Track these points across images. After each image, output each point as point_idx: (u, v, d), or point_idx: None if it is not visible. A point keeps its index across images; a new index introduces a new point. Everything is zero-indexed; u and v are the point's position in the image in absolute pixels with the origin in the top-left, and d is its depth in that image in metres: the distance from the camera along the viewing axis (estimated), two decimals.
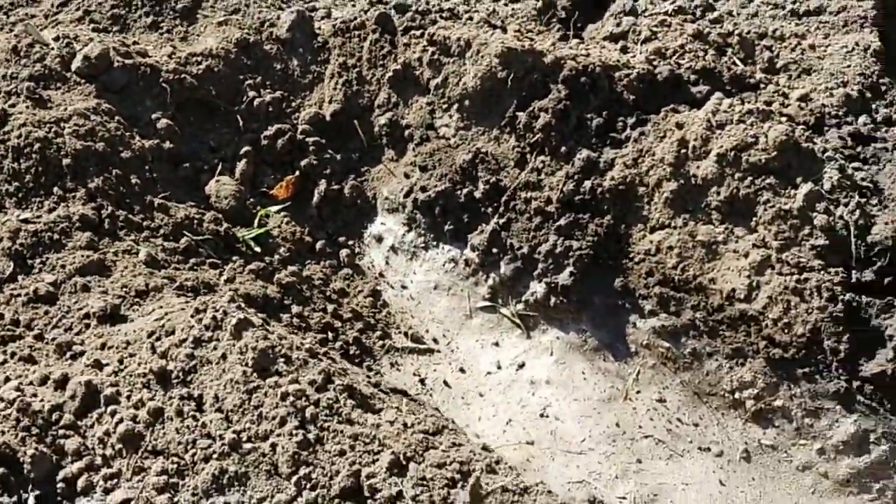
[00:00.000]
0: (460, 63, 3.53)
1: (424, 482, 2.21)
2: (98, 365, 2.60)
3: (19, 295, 2.89)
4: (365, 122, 3.72)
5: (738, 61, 3.59)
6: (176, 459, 2.37)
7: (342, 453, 2.30)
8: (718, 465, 2.96)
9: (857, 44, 3.57)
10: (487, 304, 3.38)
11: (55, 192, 3.16)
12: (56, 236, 3.03)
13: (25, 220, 3.06)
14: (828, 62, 3.55)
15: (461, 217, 3.44)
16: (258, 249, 3.40)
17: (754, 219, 3.04)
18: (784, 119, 3.19)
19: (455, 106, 3.54)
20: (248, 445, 2.34)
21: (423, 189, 3.49)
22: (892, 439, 2.82)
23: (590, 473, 2.95)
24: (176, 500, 2.32)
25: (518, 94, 3.43)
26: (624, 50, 3.63)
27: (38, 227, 3.03)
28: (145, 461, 2.38)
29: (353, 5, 4.01)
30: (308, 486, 2.27)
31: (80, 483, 2.38)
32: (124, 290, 2.92)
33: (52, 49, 3.58)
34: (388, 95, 3.69)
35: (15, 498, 2.38)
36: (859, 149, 3.23)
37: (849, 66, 3.51)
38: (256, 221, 3.48)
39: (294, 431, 2.33)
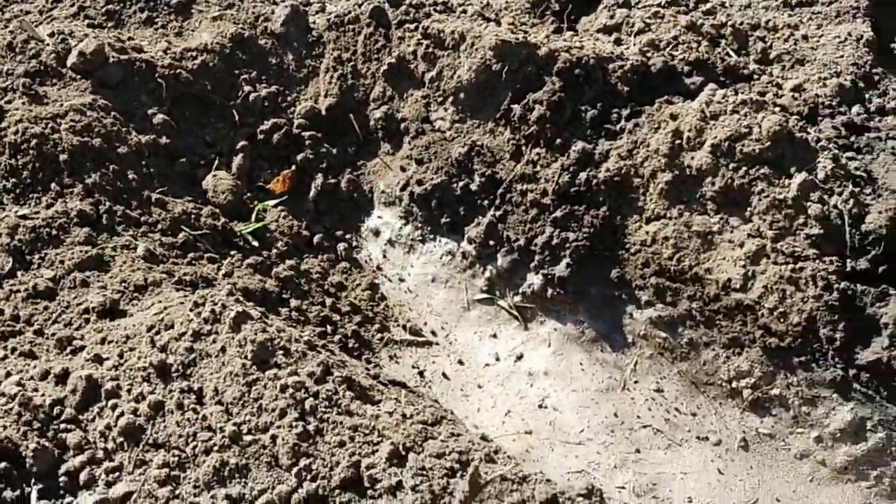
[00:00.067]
0: (455, 56, 3.54)
1: (424, 472, 2.22)
2: (98, 359, 2.61)
3: (19, 291, 2.90)
4: (360, 115, 3.73)
5: (731, 52, 3.60)
6: (177, 452, 2.37)
7: (342, 444, 2.31)
8: (716, 454, 2.97)
9: (849, 34, 3.59)
10: (485, 296, 3.40)
11: (53, 188, 3.16)
12: (54, 232, 3.04)
13: (24, 217, 3.06)
14: (821, 52, 3.57)
15: (458, 210, 3.45)
16: (256, 244, 3.41)
17: (749, 209, 3.06)
18: (777, 109, 3.20)
19: (450, 99, 3.55)
20: (248, 437, 2.35)
21: (420, 182, 3.50)
22: (889, 426, 2.84)
23: (589, 463, 2.96)
24: (177, 492, 2.32)
25: (513, 87, 3.44)
26: (618, 42, 3.64)
27: (36, 223, 3.04)
28: (146, 454, 2.39)
29: None
30: (308, 477, 2.28)
31: (83, 477, 2.38)
32: (123, 284, 2.93)
33: (48, 45, 3.59)
34: (384, 89, 3.70)
35: (18, 492, 2.38)
36: (853, 138, 3.25)
37: (842, 57, 3.52)
38: (254, 216, 3.49)
39: (294, 423, 2.34)
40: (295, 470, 2.29)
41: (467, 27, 3.56)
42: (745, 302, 3.00)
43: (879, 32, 3.68)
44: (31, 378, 2.59)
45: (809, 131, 3.16)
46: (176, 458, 2.36)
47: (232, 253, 3.31)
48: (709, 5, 3.81)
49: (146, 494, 2.32)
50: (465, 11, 3.83)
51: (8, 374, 2.61)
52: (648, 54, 3.50)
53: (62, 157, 3.20)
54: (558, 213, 3.27)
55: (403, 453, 2.28)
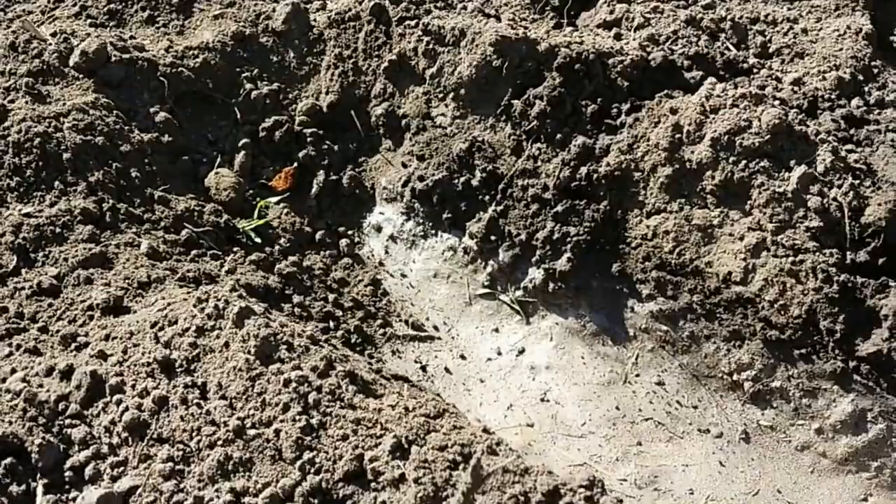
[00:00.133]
0: (455, 52, 3.55)
1: (426, 464, 2.23)
2: (102, 355, 2.63)
3: (23, 288, 2.91)
4: (362, 112, 3.75)
5: (731, 46, 3.61)
6: (181, 446, 2.39)
7: (345, 438, 2.32)
8: (718, 447, 2.99)
9: (849, 27, 3.59)
10: (487, 291, 3.41)
11: (56, 186, 3.18)
12: (58, 230, 3.05)
13: (27, 215, 3.08)
14: (820, 46, 3.57)
15: (459, 205, 3.46)
16: (258, 240, 3.43)
17: (749, 202, 3.07)
18: (777, 103, 3.22)
19: (451, 95, 3.56)
20: (252, 431, 2.36)
21: (421, 178, 3.51)
22: (889, 418, 2.86)
23: (590, 456, 2.98)
24: (182, 486, 2.34)
25: (513, 82, 3.45)
26: (617, 37, 3.65)
27: (40, 221, 3.05)
28: (151, 449, 2.41)
29: None
30: (312, 470, 2.29)
31: (88, 471, 2.40)
32: (127, 281, 2.94)
33: (50, 45, 3.60)
34: (385, 86, 3.71)
35: (24, 486, 2.40)
36: (852, 131, 3.25)
37: (841, 50, 3.53)
38: (256, 213, 3.51)
39: (297, 417, 2.36)
40: (298, 463, 2.30)
41: (467, 23, 3.58)
42: (745, 295, 3.02)
43: (879, 25, 3.69)
44: (36, 374, 2.60)
45: (809, 124, 3.17)
46: (180, 453, 2.38)
47: (235, 250, 3.33)
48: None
49: (151, 488, 2.34)
50: (465, 8, 3.84)
51: (13, 371, 2.62)
52: (648, 49, 3.51)
53: (65, 155, 3.22)
54: (559, 208, 3.29)
55: (406, 446, 2.30)
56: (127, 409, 2.46)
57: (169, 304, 2.75)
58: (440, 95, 3.60)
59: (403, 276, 3.52)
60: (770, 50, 3.63)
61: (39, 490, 2.40)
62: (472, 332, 3.36)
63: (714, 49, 3.56)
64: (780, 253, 2.98)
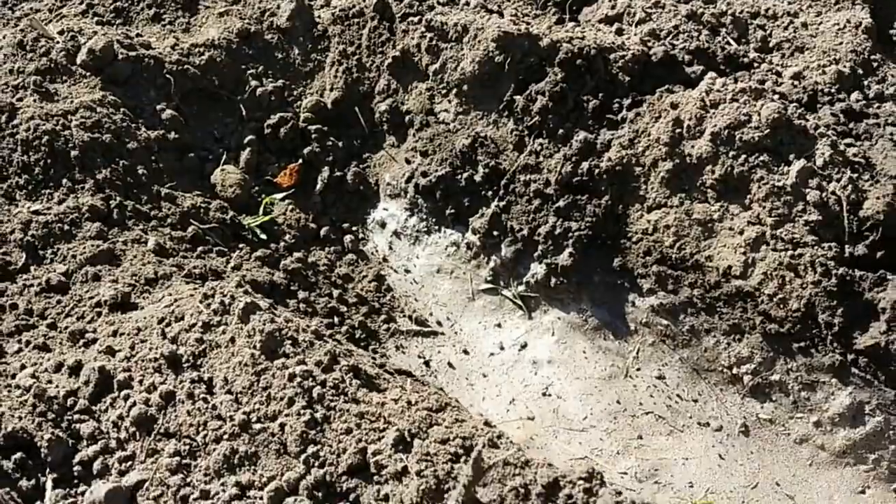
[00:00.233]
0: (458, 48, 3.58)
1: (429, 457, 2.27)
2: (110, 351, 2.67)
3: (32, 285, 2.96)
4: (366, 108, 3.78)
5: (731, 41, 3.63)
6: (188, 441, 2.43)
7: (349, 431, 2.36)
8: (718, 440, 3.02)
9: (848, 21, 3.61)
10: (489, 286, 3.44)
11: (64, 184, 3.22)
12: (66, 227, 3.09)
13: (36, 212, 3.12)
14: (820, 40, 3.59)
15: (462, 201, 3.49)
16: (264, 237, 3.46)
17: (748, 196, 3.09)
18: (777, 97, 3.23)
19: (454, 91, 3.59)
20: (257, 426, 2.40)
21: (424, 174, 3.54)
22: (887, 410, 2.88)
23: (592, 450, 3.01)
24: (189, 480, 2.38)
25: (515, 78, 3.47)
26: (619, 32, 3.67)
27: (48, 219, 3.09)
28: (158, 443, 2.45)
29: None
30: (316, 463, 2.33)
31: (96, 466, 2.44)
32: (134, 278, 2.98)
33: (57, 43, 3.64)
34: (388, 82, 3.74)
35: (33, 481, 2.44)
36: (852, 125, 3.27)
37: (841, 44, 3.54)
38: (261, 209, 3.54)
39: (302, 411, 2.39)
40: (303, 457, 2.34)
41: (470, 19, 3.60)
42: (745, 289, 3.04)
43: (878, 19, 3.70)
44: (45, 370, 2.65)
45: (808, 118, 3.19)
46: (187, 447, 2.42)
47: (240, 246, 3.36)
48: None
49: (158, 482, 2.38)
50: (467, 4, 3.86)
51: (22, 367, 2.67)
52: (649, 44, 3.53)
53: (73, 153, 3.26)
54: (561, 203, 3.31)
55: (409, 439, 2.33)
56: (134, 404, 2.50)
57: (175, 301, 2.79)
58: (443, 91, 3.63)
59: (407, 271, 3.56)
60: (770, 44, 3.64)
61: (49, 484, 2.44)
62: (474, 327, 3.39)
63: (715, 44, 3.58)
64: (779, 247, 3.00)
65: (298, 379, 2.46)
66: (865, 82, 3.45)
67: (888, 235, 2.97)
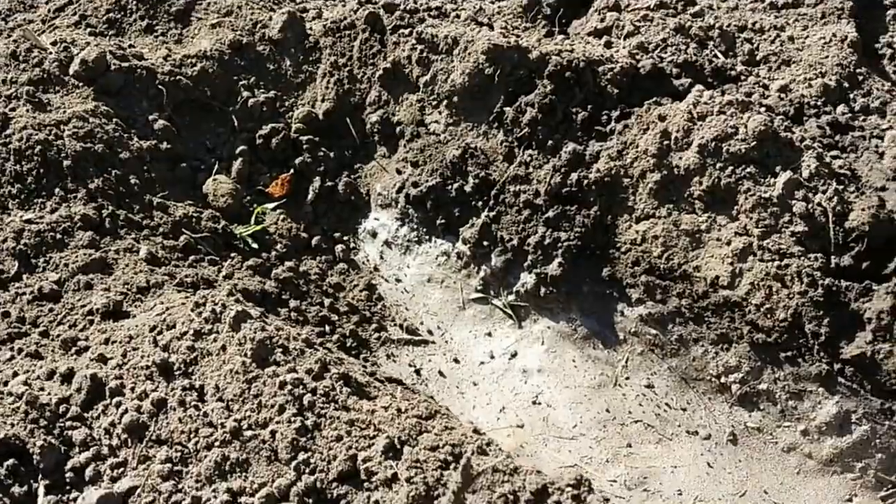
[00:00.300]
0: (448, 60, 3.61)
1: (418, 464, 2.29)
2: (102, 359, 2.68)
3: (24, 293, 2.97)
4: (357, 119, 3.80)
5: (719, 54, 3.67)
6: (179, 448, 2.44)
7: (339, 438, 2.38)
8: (706, 448, 3.04)
9: (834, 35, 3.65)
10: (480, 295, 3.47)
11: (57, 193, 3.24)
12: (59, 236, 3.11)
13: (29, 221, 3.14)
14: (806, 53, 3.63)
15: (452, 211, 3.52)
16: (255, 246, 3.48)
17: (736, 207, 3.12)
18: (763, 110, 3.27)
19: (444, 102, 3.62)
20: (248, 433, 2.42)
21: (415, 184, 3.57)
22: (873, 419, 2.90)
23: (581, 458, 3.03)
24: (180, 486, 2.39)
25: (505, 90, 3.50)
26: (608, 45, 3.71)
27: (41, 227, 3.11)
28: (150, 450, 2.46)
29: (343, 5, 4.08)
30: (307, 470, 2.34)
31: (88, 472, 2.45)
32: (126, 286, 3.00)
33: (50, 53, 3.66)
34: (379, 93, 3.77)
35: (25, 487, 2.45)
36: (837, 137, 3.31)
37: (827, 57, 3.59)
38: (253, 219, 3.56)
39: (292, 418, 2.41)
40: (294, 464, 2.36)
41: (460, 32, 3.63)
42: (732, 299, 3.07)
43: (864, 33, 3.74)
44: (38, 377, 2.66)
45: (794, 131, 3.23)
46: (178, 454, 2.43)
47: (232, 255, 3.38)
48: (697, 7, 3.89)
49: (150, 489, 2.39)
50: (458, 16, 3.89)
51: (15, 374, 2.68)
52: (638, 57, 3.57)
53: (66, 162, 3.27)
54: (550, 214, 3.34)
55: (399, 446, 2.35)
56: (126, 411, 2.51)
57: (167, 309, 2.80)
58: (434, 103, 3.65)
59: (398, 280, 3.58)
60: (757, 57, 3.69)
61: (41, 491, 2.44)
62: (465, 335, 3.41)
63: (702, 57, 3.62)
64: (766, 257, 3.03)
65: (289, 386, 2.48)
66: (851, 95, 3.49)
67: (873, 246, 3.00)
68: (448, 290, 3.50)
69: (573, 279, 3.32)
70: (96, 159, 3.34)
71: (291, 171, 3.72)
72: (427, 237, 3.57)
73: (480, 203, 3.48)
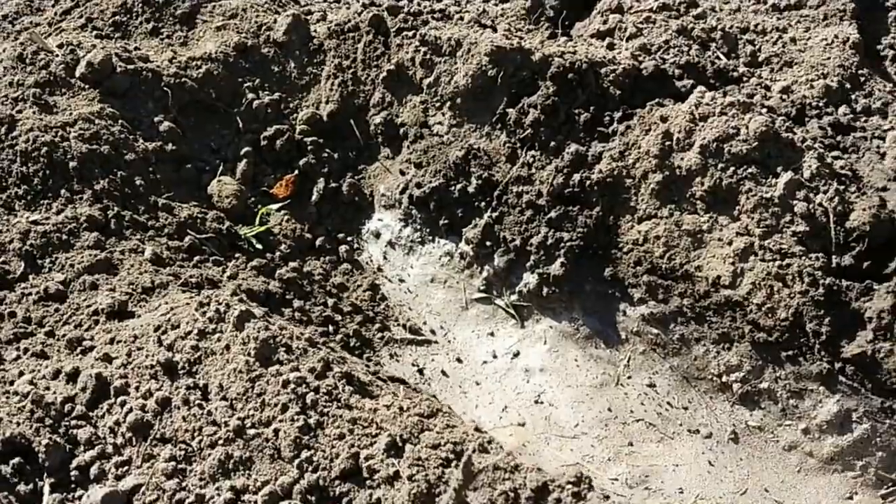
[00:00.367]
0: (452, 62, 3.63)
1: (420, 462, 2.31)
2: (107, 358, 2.70)
3: (30, 294, 2.99)
4: (361, 121, 3.83)
5: (721, 55, 3.69)
6: (183, 446, 2.46)
7: (341, 437, 2.40)
8: (707, 447, 3.05)
9: (836, 36, 3.67)
10: (482, 295, 3.48)
11: (62, 194, 3.26)
12: (64, 237, 3.13)
13: (35, 222, 3.16)
14: (808, 55, 3.65)
15: (455, 212, 3.53)
16: (260, 247, 3.50)
17: (737, 207, 3.13)
18: (765, 111, 3.29)
19: (447, 104, 3.64)
20: (251, 431, 2.44)
21: (419, 185, 3.59)
22: (874, 417, 2.91)
23: (583, 457, 3.04)
24: (184, 484, 2.41)
25: (508, 92, 3.52)
26: (610, 46, 3.72)
27: (47, 228, 3.13)
28: (154, 448, 2.48)
29: (348, 8, 4.11)
30: (310, 468, 2.36)
31: (93, 471, 2.47)
32: (131, 287, 3.02)
33: (57, 56, 3.69)
34: (383, 95, 3.79)
35: (31, 486, 2.47)
36: (839, 138, 3.33)
37: (829, 59, 3.60)
38: (258, 220, 3.58)
39: (295, 417, 2.43)
40: (297, 462, 2.38)
41: (463, 34, 3.65)
42: (734, 298, 3.08)
43: (865, 35, 3.76)
44: (43, 377, 2.68)
45: (796, 131, 3.24)
46: (182, 452, 2.46)
47: (236, 256, 3.40)
48: (699, 9, 3.90)
49: (154, 487, 2.41)
50: (461, 19, 3.92)
51: (21, 374, 2.70)
52: (640, 58, 3.58)
53: (72, 164, 3.30)
54: (553, 214, 3.36)
55: (400, 444, 2.37)
56: (131, 410, 2.54)
57: (172, 309, 2.82)
58: (437, 104, 3.68)
59: (401, 281, 3.60)
60: (759, 59, 3.70)
61: (46, 489, 2.47)
62: (468, 335, 3.43)
63: (705, 58, 3.63)
64: (767, 257, 3.04)
65: (292, 385, 2.49)
66: (853, 96, 3.50)
67: (874, 246, 3.01)
68: (451, 290, 3.52)
69: (575, 279, 3.34)
70: (102, 161, 3.36)
71: (296, 172, 3.74)
72: (430, 238, 3.59)
73: (483, 204, 3.49)
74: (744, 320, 3.08)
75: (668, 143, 3.26)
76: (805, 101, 3.43)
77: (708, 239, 3.16)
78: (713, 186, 3.16)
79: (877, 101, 3.47)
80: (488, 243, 3.46)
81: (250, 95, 3.84)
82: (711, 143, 3.17)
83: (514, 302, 3.41)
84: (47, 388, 2.63)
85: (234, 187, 3.61)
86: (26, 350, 2.82)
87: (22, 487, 2.47)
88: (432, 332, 3.45)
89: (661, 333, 3.21)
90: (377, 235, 3.69)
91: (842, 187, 3.10)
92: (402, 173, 3.68)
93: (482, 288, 3.48)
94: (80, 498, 2.44)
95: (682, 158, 3.22)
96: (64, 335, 2.87)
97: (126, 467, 2.47)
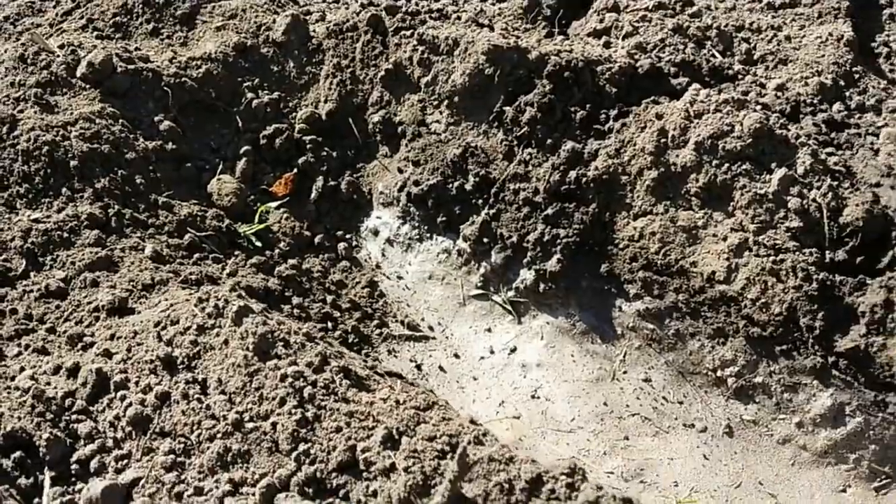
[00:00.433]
0: (449, 61, 3.65)
1: (416, 454, 2.33)
2: (108, 354, 2.73)
3: (32, 291, 3.02)
4: (359, 120, 3.85)
5: (716, 53, 3.71)
6: (182, 440, 2.49)
7: (338, 430, 2.42)
8: (702, 441, 3.08)
9: (830, 34, 3.69)
10: (480, 291, 3.51)
11: (64, 193, 3.29)
12: (66, 234, 3.16)
13: (36, 220, 3.19)
14: (803, 52, 3.67)
15: (453, 209, 3.56)
16: (259, 244, 3.53)
17: (732, 203, 3.16)
18: (759, 108, 3.31)
19: (445, 102, 3.66)
20: (250, 425, 2.46)
21: (416, 183, 3.61)
22: (867, 411, 2.94)
23: (579, 451, 3.07)
24: (183, 477, 2.43)
25: (505, 90, 3.55)
26: (607, 45, 3.75)
27: (48, 227, 3.16)
28: (154, 442, 2.50)
29: (346, 8, 4.13)
30: (307, 461, 2.38)
31: (93, 464, 2.49)
32: (131, 284, 3.04)
33: (58, 56, 3.72)
34: (381, 94, 3.82)
35: (32, 479, 2.50)
36: (833, 135, 3.35)
37: (823, 56, 3.62)
38: (257, 217, 3.61)
39: (293, 410, 2.45)
40: (294, 454, 2.40)
41: (460, 33, 3.68)
42: (728, 293, 3.11)
43: (860, 32, 3.78)
44: (44, 372, 2.71)
45: (790, 128, 3.26)
46: (181, 445, 2.48)
47: (236, 253, 3.43)
48: (695, 8, 3.93)
49: (153, 480, 2.43)
50: (459, 18, 3.94)
51: (22, 369, 2.73)
52: (636, 56, 3.61)
53: (73, 163, 3.33)
54: (549, 211, 3.38)
55: (397, 437, 2.39)
56: (130, 404, 2.56)
57: (171, 305, 2.85)
58: (435, 103, 3.70)
59: (400, 278, 3.63)
60: (755, 57, 3.72)
61: (47, 482, 2.49)
62: (465, 331, 3.46)
63: (700, 56, 3.66)
64: (761, 253, 3.07)
65: (290, 379, 2.52)
66: (847, 93, 3.52)
67: (867, 241, 3.04)
68: (449, 286, 3.55)
69: (572, 275, 3.36)
70: (103, 160, 3.39)
71: (295, 170, 3.77)
72: (428, 235, 3.62)
73: (481, 201, 3.52)
74: (738, 315, 3.10)
75: (663, 140, 3.28)
76: (799, 98, 3.45)
77: (703, 235, 3.19)
78: (708, 183, 3.19)
79: (871, 98, 3.49)
80: (485, 240, 3.49)
81: (250, 95, 3.87)
82: (706, 140, 3.19)
83: (511, 298, 3.44)
84: (48, 384, 2.66)
85: (234, 186, 3.64)
86: (28, 346, 2.85)
87: (23, 481, 2.49)
88: (430, 328, 3.48)
89: (657, 329, 3.23)
90: (375, 233, 3.72)
91: (835, 183, 3.12)
92: (401, 171, 3.71)
93: (479, 284, 3.50)
94: (80, 491, 2.46)
95: (677, 155, 3.25)
96: (65, 331, 2.89)
97: (126, 461, 2.49)
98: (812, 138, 3.26)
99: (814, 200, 3.08)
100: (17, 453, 2.52)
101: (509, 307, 3.44)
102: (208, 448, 2.45)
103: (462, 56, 3.62)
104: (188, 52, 3.94)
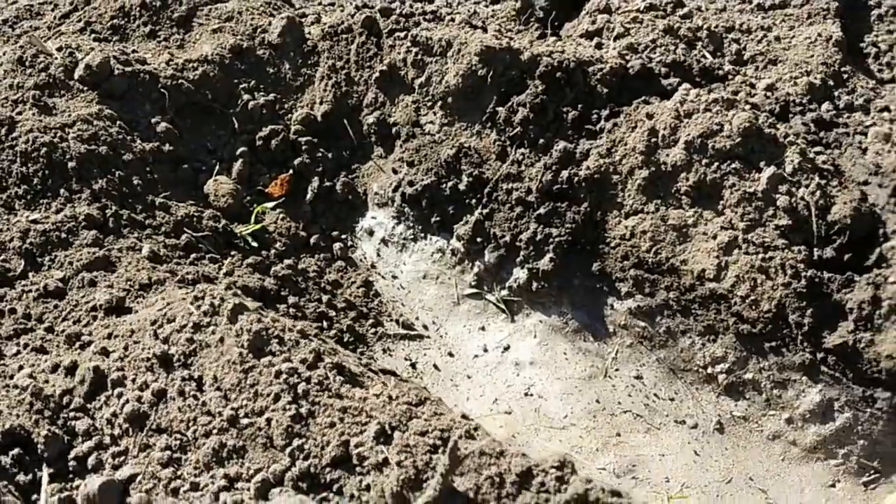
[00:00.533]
0: (442, 62, 3.69)
1: (408, 449, 2.36)
2: (105, 352, 2.75)
3: (30, 291, 3.04)
4: (354, 121, 3.89)
5: (707, 54, 3.74)
6: (179, 436, 2.51)
7: (332, 425, 2.44)
8: (693, 437, 3.11)
9: (820, 35, 3.72)
10: (474, 290, 3.54)
11: (62, 194, 3.32)
12: (63, 235, 3.19)
13: (34, 221, 3.22)
14: (793, 53, 3.70)
15: (447, 209, 3.59)
16: (255, 244, 3.56)
17: (721, 202, 3.19)
18: (749, 107, 3.34)
19: (439, 103, 3.69)
20: (245, 421, 2.49)
21: (411, 183, 3.64)
22: (855, 406, 2.97)
23: (572, 447, 3.10)
24: (179, 473, 2.46)
25: (497, 91, 3.58)
26: (598, 46, 3.78)
27: (46, 227, 3.19)
28: (150, 439, 2.53)
29: (341, 10, 4.17)
30: (301, 456, 2.41)
31: (91, 461, 2.51)
32: (129, 283, 3.07)
33: (56, 59, 3.75)
34: (376, 95, 3.85)
35: (30, 476, 2.52)
36: (822, 134, 3.38)
37: (812, 56, 3.66)
38: (253, 218, 3.64)
39: (287, 406, 2.48)
40: (288, 450, 2.42)
41: (454, 34, 3.71)
42: (718, 291, 3.14)
43: (848, 33, 3.81)
44: (42, 371, 2.73)
45: (779, 127, 3.30)
46: (178, 442, 2.51)
47: (232, 253, 3.46)
48: (686, 9, 3.96)
49: (150, 476, 2.46)
50: (452, 20, 3.97)
51: (20, 368, 2.75)
52: (627, 57, 3.64)
53: (70, 164, 3.36)
54: (542, 210, 3.41)
55: (389, 432, 2.42)
56: (127, 401, 2.59)
57: (168, 304, 2.87)
58: (428, 104, 3.73)
59: (394, 277, 3.66)
60: (745, 57, 3.76)
61: (45, 479, 2.50)
62: (459, 330, 3.49)
63: (691, 57, 3.69)
64: (750, 250, 3.10)
65: (284, 376, 2.55)
66: (836, 93, 3.55)
67: (855, 239, 3.07)
68: (443, 285, 3.58)
69: (564, 274, 3.39)
70: (100, 161, 3.42)
71: (290, 171, 3.80)
72: (422, 235, 3.65)
73: (474, 201, 3.55)
74: (728, 312, 3.13)
75: (653, 139, 3.31)
76: (789, 98, 3.48)
77: (693, 233, 3.22)
78: (698, 182, 3.22)
79: (859, 98, 3.52)
80: (479, 240, 3.52)
81: (246, 96, 3.90)
82: (696, 140, 3.23)
83: (505, 297, 3.47)
84: (46, 382, 2.68)
85: (230, 186, 3.67)
86: (26, 345, 2.87)
87: (21, 477, 2.50)
88: (425, 327, 3.51)
89: (648, 326, 3.27)
90: (370, 233, 3.75)
91: (824, 181, 3.15)
92: (395, 172, 3.74)
93: (473, 283, 3.54)
94: (77, 487, 2.47)
95: (667, 154, 3.28)
96: (63, 330, 2.92)
97: (123, 457, 2.51)
98: (801, 137, 3.30)
99: (802, 199, 3.11)
100: (16, 450, 2.53)
101: (503, 306, 3.47)
102: (204, 444, 2.47)
103: (455, 57, 3.65)
104: (185, 55, 3.97)
